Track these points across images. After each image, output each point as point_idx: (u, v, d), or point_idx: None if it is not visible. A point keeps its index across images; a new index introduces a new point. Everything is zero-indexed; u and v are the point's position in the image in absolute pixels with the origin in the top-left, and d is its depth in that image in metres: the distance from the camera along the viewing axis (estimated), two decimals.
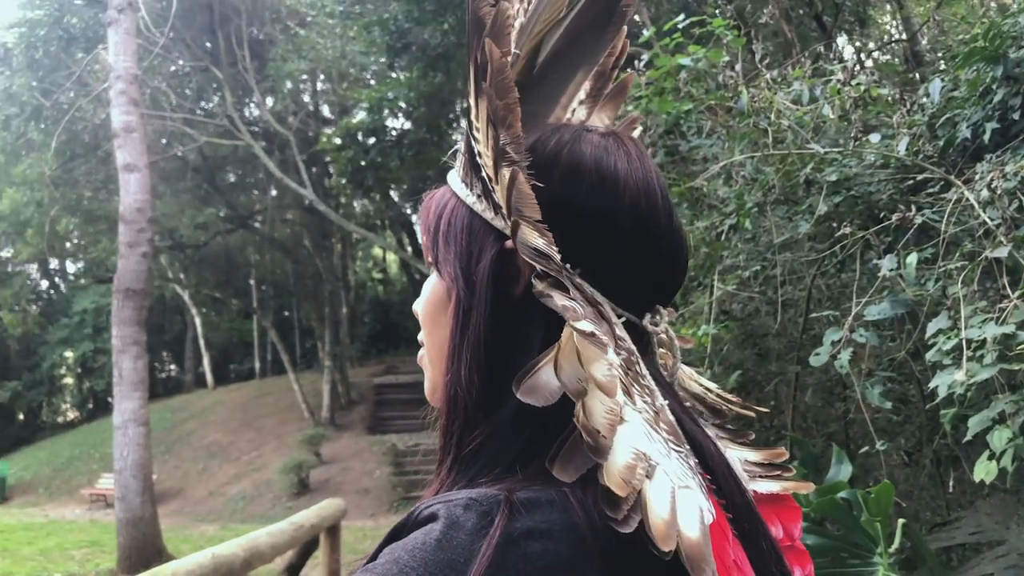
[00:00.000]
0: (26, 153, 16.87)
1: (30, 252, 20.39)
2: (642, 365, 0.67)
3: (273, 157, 17.47)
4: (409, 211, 21.73)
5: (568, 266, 0.67)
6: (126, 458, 8.94)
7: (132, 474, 8.97)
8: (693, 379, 0.85)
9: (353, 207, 20.66)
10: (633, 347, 0.67)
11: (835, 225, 3.03)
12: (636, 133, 0.94)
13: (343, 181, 15.79)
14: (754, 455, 0.83)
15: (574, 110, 0.82)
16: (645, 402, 0.63)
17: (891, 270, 2.60)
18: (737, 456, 0.81)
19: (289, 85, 17.33)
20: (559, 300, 0.61)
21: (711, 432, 0.79)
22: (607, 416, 0.56)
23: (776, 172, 3.19)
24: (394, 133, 15.12)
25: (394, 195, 20.03)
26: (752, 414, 0.91)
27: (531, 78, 0.73)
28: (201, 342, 25.17)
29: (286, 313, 27.14)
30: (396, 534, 0.58)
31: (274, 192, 20.36)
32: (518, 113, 0.65)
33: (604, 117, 0.86)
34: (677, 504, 0.55)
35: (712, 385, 0.88)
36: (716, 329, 3.11)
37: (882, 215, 2.82)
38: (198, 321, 24.94)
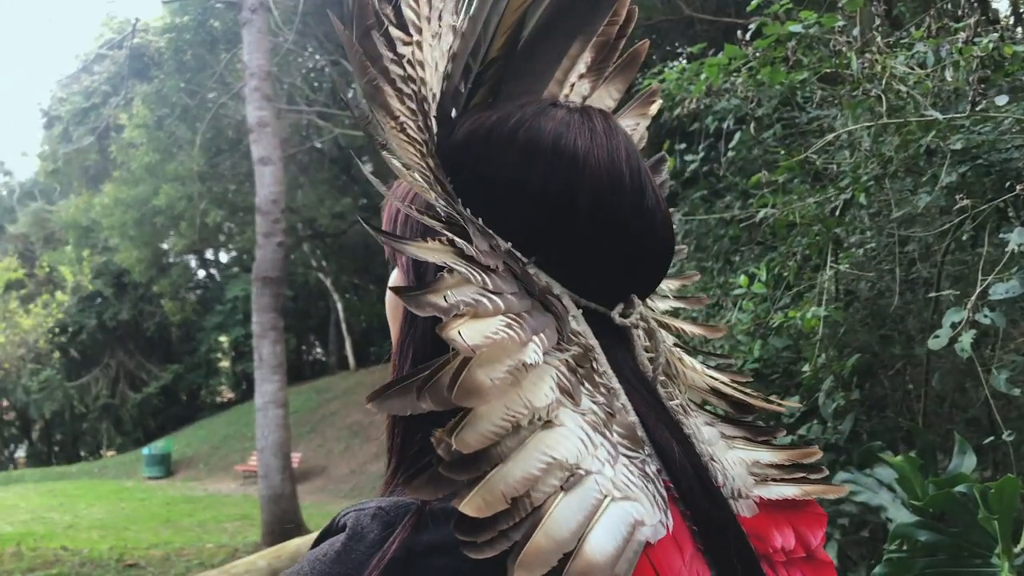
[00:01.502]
0: (177, 151, 18.00)
1: (184, 244, 21.83)
2: (600, 361, 0.62)
3: None
4: None
5: (510, 247, 0.62)
6: (267, 438, 9.43)
7: (272, 453, 9.45)
8: (699, 371, 0.78)
9: None
10: (592, 342, 0.62)
11: (961, 197, 2.80)
12: (655, 108, 0.88)
13: None
14: (772, 456, 0.76)
15: (573, 84, 0.77)
16: (595, 402, 0.59)
17: (1020, 244, 2.37)
18: (746, 457, 0.74)
19: None
20: (435, 299, 0.54)
21: (709, 432, 0.73)
22: (492, 427, 0.51)
23: (895, 141, 2.97)
24: None
25: None
26: (771, 407, 0.83)
27: (515, 54, 0.69)
28: (343, 326, 26.16)
29: None
30: (317, 542, 0.57)
31: None
32: (385, 90, 0.62)
33: (613, 91, 0.81)
34: (597, 519, 0.51)
35: (723, 377, 0.81)
36: (828, 311, 2.93)
37: (1018, 185, 2.58)
38: (340, 306, 25.92)
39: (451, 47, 0.67)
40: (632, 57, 0.82)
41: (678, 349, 0.79)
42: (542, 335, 0.57)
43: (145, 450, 21.69)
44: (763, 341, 3.64)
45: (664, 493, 0.58)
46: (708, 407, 0.80)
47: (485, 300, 0.55)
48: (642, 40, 0.85)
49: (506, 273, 0.60)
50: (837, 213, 3.15)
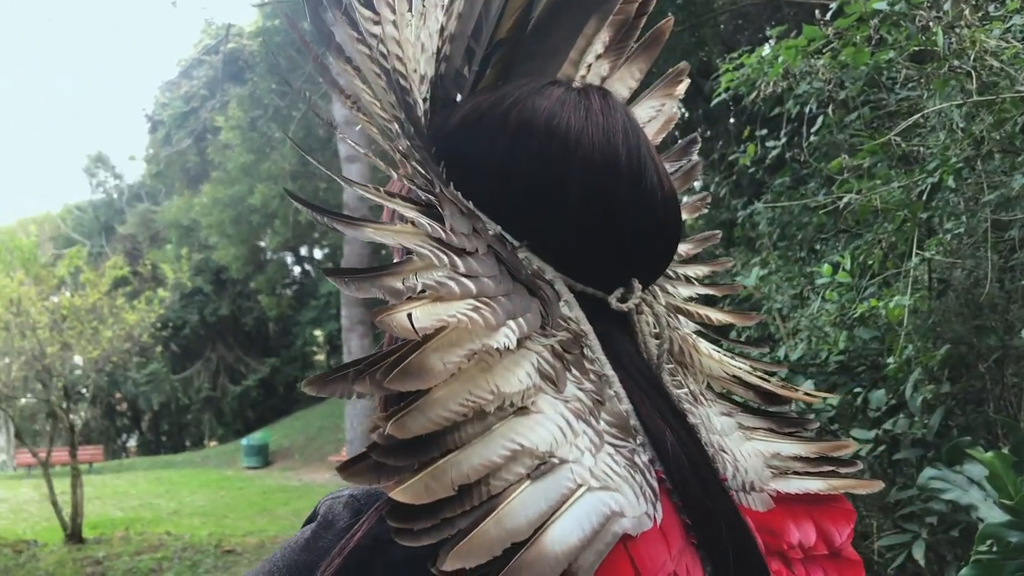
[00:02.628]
0: (270, 151, 18.55)
1: (279, 241, 22.51)
2: (593, 348, 0.60)
3: None
4: None
5: (499, 231, 0.61)
6: (355, 429, 9.65)
7: (362, 443, 9.64)
8: (718, 359, 0.75)
9: None
10: (585, 328, 0.60)
11: None
12: (682, 88, 0.85)
13: None
14: (798, 448, 0.73)
15: (590, 65, 0.75)
16: (582, 389, 0.57)
17: None
18: (766, 449, 0.71)
19: None
20: (392, 281, 0.53)
21: (723, 422, 0.71)
22: (446, 412, 0.49)
23: (988, 120, 2.81)
24: None
25: None
26: (798, 396, 0.80)
27: (526, 35, 0.68)
28: None
29: None
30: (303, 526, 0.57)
31: None
32: (339, 67, 0.61)
33: (635, 71, 0.78)
34: (566, 509, 0.49)
35: (744, 365, 0.78)
36: (913, 301, 2.80)
37: None
38: None
39: (444, 26, 0.66)
40: (655, 36, 0.79)
41: (695, 336, 0.76)
42: (521, 320, 0.55)
43: (244, 441, 22.50)
44: (849, 332, 3.52)
45: (655, 484, 0.56)
46: (734, 396, 0.77)
47: (452, 283, 0.53)
48: (666, 19, 0.82)
49: (488, 256, 0.58)
50: (924, 198, 3.00)
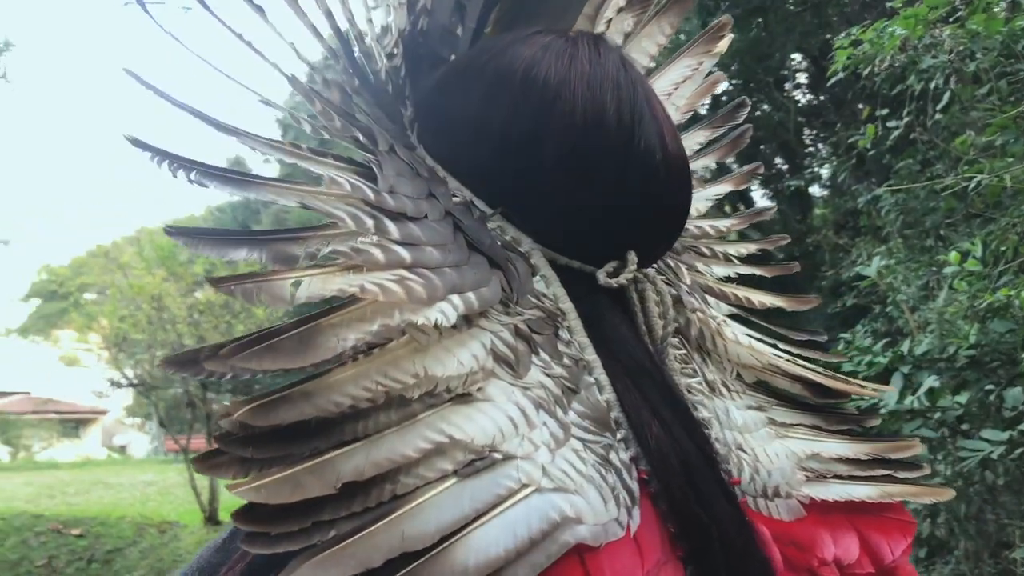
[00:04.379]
0: None
1: None
2: (573, 328, 0.53)
3: None
4: None
5: (468, 197, 0.56)
6: None
7: None
8: (747, 346, 0.67)
9: None
10: (564, 306, 0.53)
11: None
12: (723, 44, 0.77)
13: None
14: (846, 449, 0.64)
15: (610, 20, 0.69)
16: (551, 375, 0.50)
17: None
18: (802, 449, 0.63)
19: None
20: (291, 248, 0.46)
21: (748, 417, 0.62)
22: (340, 398, 0.42)
23: None
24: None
25: None
26: (854, 389, 0.70)
27: None
28: None
29: None
30: None
31: None
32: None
33: (665, 26, 0.72)
34: (498, 513, 0.43)
35: (784, 354, 0.69)
36: None
37: None
38: None
39: None
40: None
41: (720, 321, 0.67)
42: (471, 295, 0.48)
43: None
44: (981, 325, 3.25)
45: (633, 486, 0.49)
46: (778, 388, 0.68)
47: (376, 251, 0.46)
48: None
49: (441, 223, 0.52)
50: None
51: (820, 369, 0.69)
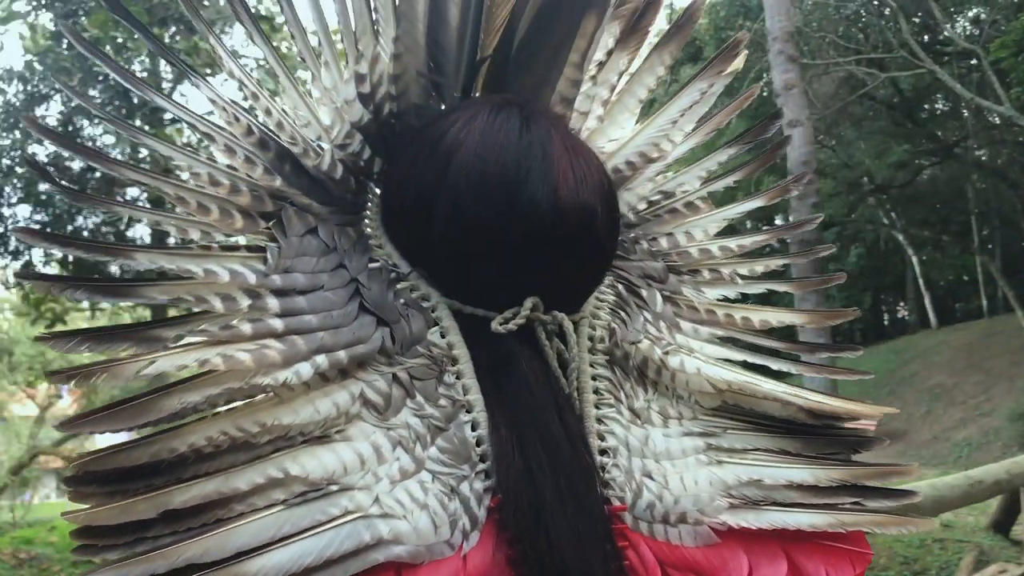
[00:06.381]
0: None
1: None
2: (461, 372, 0.60)
3: (970, 78, 15.86)
4: None
5: (388, 261, 0.64)
6: None
7: None
8: (706, 375, 0.68)
9: None
10: (458, 352, 0.61)
11: None
12: (738, 62, 0.77)
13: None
14: (808, 475, 0.65)
15: (602, 63, 0.72)
16: (421, 415, 0.58)
17: None
18: (745, 475, 0.64)
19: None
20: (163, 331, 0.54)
21: (679, 444, 0.66)
22: (180, 446, 0.51)
23: None
24: None
25: None
26: (832, 409, 0.68)
27: (513, 48, 0.67)
28: (920, 282, 24.15)
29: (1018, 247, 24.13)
30: None
31: (967, 114, 18.30)
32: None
33: (665, 56, 0.74)
34: (314, 533, 0.51)
35: (764, 382, 0.69)
36: None
37: None
38: (915, 261, 23.97)
39: (364, 73, 0.65)
40: (688, 16, 0.75)
41: (667, 350, 0.70)
42: (341, 353, 0.56)
43: None
44: None
45: (478, 513, 0.56)
46: (753, 411, 0.69)
47: (246, 326, 0.55)
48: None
49: (338, 291, 0.60)
50: None
51: (804, 393, 0.69)
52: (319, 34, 0.66)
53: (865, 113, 18.62)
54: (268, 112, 0.65)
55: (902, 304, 29.98)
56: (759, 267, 0.81)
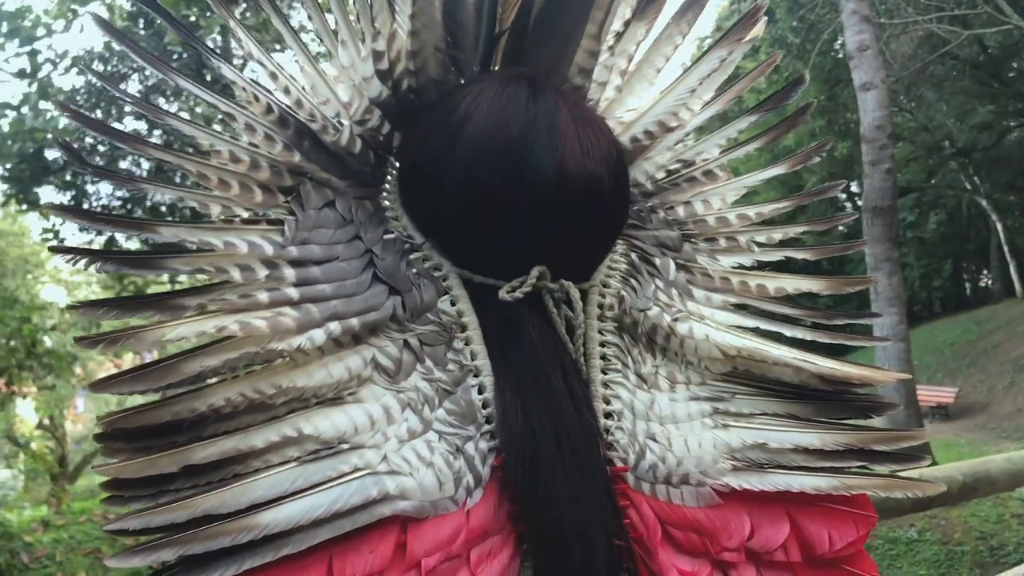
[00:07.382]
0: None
1: (817, 179, 21.76)
2: (470, 338, 0.63)
3: None
4: None
5: (403, 231, 0.65)
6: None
7: (894, 387, 9.05)
8: (717, 341, 0.69)
9: None
10: (467, 320, 0.63)
11: None
12: (758, 29, 0.76)
13: None
14: (815, 439, 0.67)
15: (620, 34, 0.72)
16: (430, 379, 0.61)
17: None
18: (749, 439, 0.66)
19: None
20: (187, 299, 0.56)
21: (685, 408, 0.68)
22: (201, 406, 0.55)
23: None
24: None
25: None
26: (844, 373, 0.70)
27: (531, 21, 0.67)
28: (1005, 249, 23.22)
29: None
30: None
31: None
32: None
33: (682, 26, 0.73)
34: (323, 488, 0.54)
35: (778, 348, 0.71)
36: None
37: None
38: (1000, 227, 23.05)
39: (383, 50, 0.66)
40: None
41: (677, 319, 0.71)
42: (354, 320, 0.59)
43: None
44: None
45: (482, 471, 0.59)
46: (767, 377, 0.71)
47: (263, 294, 0.58)
48: None
49: (352, 261, 0.62)
50: None
51: (816, 359, 0.70)
52: (336, 13, 0.67)
53: (947, 73, 17.91)
54: (287, 91, 0.67)
55: (985, 272, 28.88)
56: (777, 234, 0.80)
